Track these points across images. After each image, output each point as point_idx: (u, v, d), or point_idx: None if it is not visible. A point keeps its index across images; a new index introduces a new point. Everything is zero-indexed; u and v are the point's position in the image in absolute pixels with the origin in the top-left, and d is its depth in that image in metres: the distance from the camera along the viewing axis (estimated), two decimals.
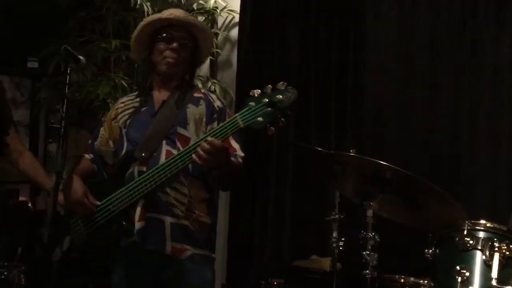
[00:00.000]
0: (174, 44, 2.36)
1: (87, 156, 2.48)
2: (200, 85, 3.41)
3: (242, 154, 2.36)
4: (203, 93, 2.44)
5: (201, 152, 2.10)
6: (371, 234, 2.31)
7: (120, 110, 2.44)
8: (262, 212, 3.68)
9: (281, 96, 2.04)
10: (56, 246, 2.48)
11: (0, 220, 2.13)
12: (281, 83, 2.08)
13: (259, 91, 2.09)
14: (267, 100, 2.05)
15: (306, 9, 3.67)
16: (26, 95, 4.37)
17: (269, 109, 2.04)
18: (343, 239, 2.69)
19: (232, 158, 2.31)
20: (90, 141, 2.51)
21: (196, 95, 2.40)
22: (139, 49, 2.45)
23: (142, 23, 2.43)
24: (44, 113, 4.10)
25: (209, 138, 2.12)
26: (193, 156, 2.13)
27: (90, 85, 3.62)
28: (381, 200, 2.38)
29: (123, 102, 2.47)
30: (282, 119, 2.06)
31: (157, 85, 2.43)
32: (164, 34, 2.37)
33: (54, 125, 2.44)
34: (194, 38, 2.43)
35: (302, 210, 3.59)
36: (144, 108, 2.38)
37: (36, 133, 4.22)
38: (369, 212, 2.34)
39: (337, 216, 2.72)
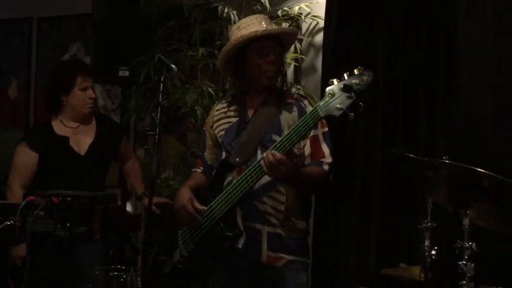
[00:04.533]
0: (272, 57, 2.34)
1: (198, 170, 2.54)
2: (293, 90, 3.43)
3: (330, 160, 2.33)
4: (295, 99, 2.44)
5: (266, 162, 2.10)
6: (468, 243, 2.24)
7: (216, 118, 2.49)
8: (348, 218, 3.64)
9: (357, 81, 2.03)
10: (150, 252, 2.58)
11: (103, 224, 2.22)
12: (357, 68, 2.06)
13: (337, 79, 2.08)
14: (343, 85, 2.03)
15: (393, 13, 3.60)
16: (116, 102, 4.55)
17: (347, 94, 2.02)
18: (435, 248, 2.63)
19: (314, 167, 2.29)
20: (200, 153, 2.57)
21: (288, 100, 2.41)
22: (228, 63, 2.45)
23: (234, 42, 2.37)
24: (134, 120, 4.25)
25: (271, 151, 2.11)
26: (261, 162, 2.13)
27: (178, 92, 3.71)
28: (477, 209, 2.30)
29: (217, 110, 2.51)
30: (361, 103, 2.03)
31: (249, 92, 2.45)
32: (257, 47, 2.35)
33: (149, 132, 2.51)
34: (282, 43, 2.43)
35: (390, 217, 3.52)
36: (238, 116, 2.41)
37: (127, 139, 4.38)
38: (466, 221, 2.26)
39: (429, 224, 2.66)
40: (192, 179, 2.49)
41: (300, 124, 2.13)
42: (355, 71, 2.06)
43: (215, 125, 2.47)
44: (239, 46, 2.36)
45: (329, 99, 2.06)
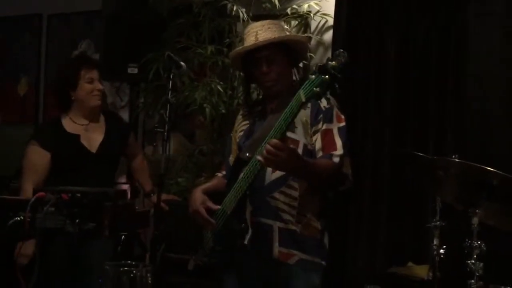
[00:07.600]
0: (264, 68, 2.36)
1: (219, 174, 2.56)
2: None
3: (340, 152, 2.30)
4: None
5: (264, 154, 2.08)
6: (477, 242, 2.24)
7: (239, 122, 2.52)
8: (357, 217, 3.64)
9: (334, 62, 2.04)
10: (158, 249, 2.60)
11: (112, 221, 2.22)
12: (338, 51, 2.07)
13: (320, 64, 2.10)
14: (320, 68, 2.05)
15: (404, 12, 3.59)
16: (125, 99, 4.56)
17: (324, 76, 2.03)
18: (444, 246, 2.62)
19: (322, 159, 2.27)
20: (226, 157, 2.59)
21: None
22: (238, 68, 2.56)
23: (231, 55, 2.51)
24: (142, 117, 4.26)
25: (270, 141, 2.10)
26: (257, 157, 2.12)
27: (187, 90, 3.72)
28: (487, 207, 2.30)
29: (241, 114, 2.55)
30: (336, 85, 2.03)
31: (266, 95, 2.49)
32: (252, 58, 2.39)
33: (158, 130, 2.53)
34: (281, 43, 2.39)
35: (398, 216, 3.51)
36: (256, 118, 2.43)
37: (135, 136, 4.39)
38: (475, 220, 2.26)
39: (438, 223, 2.65)
40: (209, 182, 2.52)
41: (287, 110, 2.14)
42: (335, 54, 2.08)
43: (237, 129, 2.51)
44: (236, 62, 2.47)
45: (309, 83, 2.07)
